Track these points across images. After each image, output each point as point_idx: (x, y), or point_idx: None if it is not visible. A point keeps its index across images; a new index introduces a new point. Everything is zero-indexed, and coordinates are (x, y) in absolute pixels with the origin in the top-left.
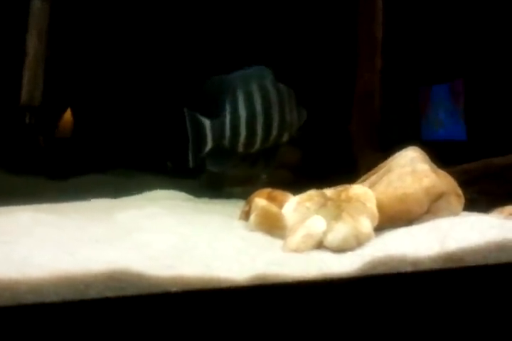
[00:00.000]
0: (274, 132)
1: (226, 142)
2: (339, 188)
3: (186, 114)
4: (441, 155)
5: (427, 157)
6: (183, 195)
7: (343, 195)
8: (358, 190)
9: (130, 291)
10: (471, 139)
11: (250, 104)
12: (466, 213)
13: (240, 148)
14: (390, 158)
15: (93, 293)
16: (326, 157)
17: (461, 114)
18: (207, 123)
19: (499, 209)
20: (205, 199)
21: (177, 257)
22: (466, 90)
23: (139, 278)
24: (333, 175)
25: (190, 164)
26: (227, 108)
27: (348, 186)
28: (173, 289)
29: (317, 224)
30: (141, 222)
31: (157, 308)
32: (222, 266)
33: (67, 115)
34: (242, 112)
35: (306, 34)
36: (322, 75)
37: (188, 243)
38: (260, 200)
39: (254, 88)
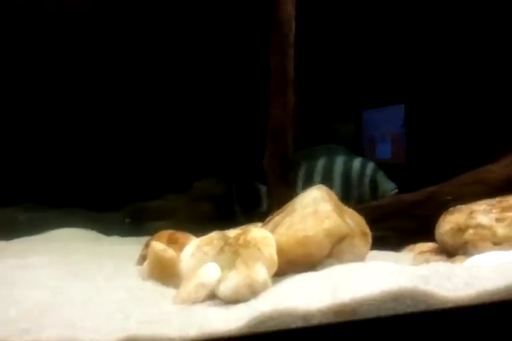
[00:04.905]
0: None
1: None
2: (241, 230)
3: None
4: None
5: (333, 195)
6: (91, 233)
7: (241, 239)
8: (256, 234)
9: None
10: (411, 161)
11: (308, 177)
12: (375, 252)
13: None
14: (296, 198)
15: None
16: (246, 191)
17: (402, 137)
18: (264, 188)
19: (410, 247)
20: (115, 238)
21: (40, 318)
22: (407, 114)
23: None
24: (253, 209)
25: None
26: None
27: (248, 228)
28: None
29: (210, 273)
30: (16, 275)
31: None
32: (90, 327)
33: None
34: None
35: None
36: (240, 111)
37: (60, 299)
38: (156, 244)
39: (315, 163)
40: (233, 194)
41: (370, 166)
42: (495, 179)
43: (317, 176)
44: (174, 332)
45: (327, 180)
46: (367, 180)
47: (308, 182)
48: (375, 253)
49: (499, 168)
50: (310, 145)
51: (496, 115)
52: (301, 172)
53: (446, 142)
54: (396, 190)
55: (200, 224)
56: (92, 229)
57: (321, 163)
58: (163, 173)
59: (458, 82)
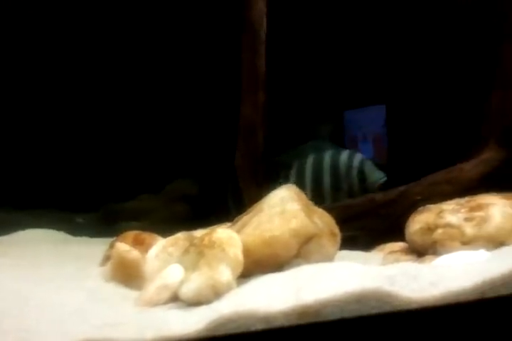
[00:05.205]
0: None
1: None
2: (207, 231)
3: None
4: None
5: (302, 195)
6: (58, 234)
7: (206, 240)
8: (221, 234)
9: None
10: (392, 161)
11: (299, 176)
12: (344, 252)
13: None
14: (264, 197)
15: None
16: (221, 190)
17: (383, 137)
18: None
19: (380, 247)
20: (83, 239)
21: None
22: (388, 114)
23: None
24: (227, 209)
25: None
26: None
27: (214, 229)
28: None
29: (173, 274)
30: None
31: None
32: (46, 331)
33: None
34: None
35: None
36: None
37: (18, 302)
38: (121, 245)
39: (304, 161)
40: (229, 192)
41: (357, 158)
42: (465, 178)
43: (307, 174)
44: (130, 336)
45: (317, 177)
46: (355, 172)
47: (300, 181)
48: (345, 253)
49: (469, 167)
50: (283, 144)
51: (475, 115)
52: (293, 172)
53: (428, 142)
54: (385, 179)
55: (176, 224)
56: (63, 230)
57: (310, 161)
58: (137, 174)
59: (438, 83)
